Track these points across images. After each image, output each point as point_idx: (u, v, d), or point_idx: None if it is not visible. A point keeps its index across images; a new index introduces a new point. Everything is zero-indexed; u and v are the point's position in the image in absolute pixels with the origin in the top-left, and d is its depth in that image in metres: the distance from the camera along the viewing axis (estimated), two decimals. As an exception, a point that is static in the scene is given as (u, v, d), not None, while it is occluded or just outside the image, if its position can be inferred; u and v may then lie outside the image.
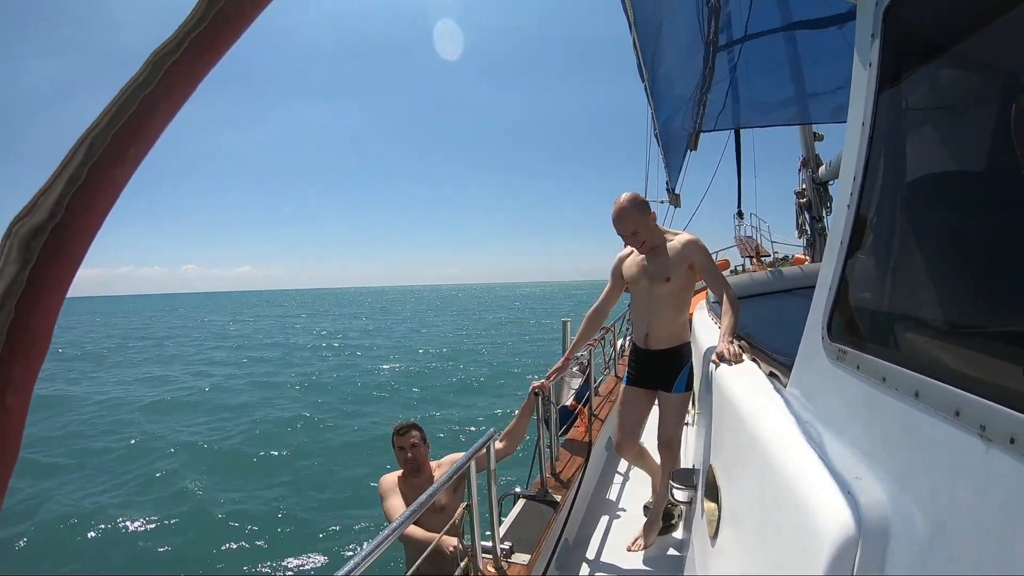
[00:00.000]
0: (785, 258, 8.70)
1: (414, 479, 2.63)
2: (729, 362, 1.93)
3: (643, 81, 3.60)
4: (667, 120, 4.53)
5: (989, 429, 0.55)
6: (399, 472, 2.69)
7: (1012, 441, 0.52)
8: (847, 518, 0.72)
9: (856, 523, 0.71)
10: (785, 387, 1.38)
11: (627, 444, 2.59)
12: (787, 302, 3.34)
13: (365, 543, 1.35)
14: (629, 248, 2.50)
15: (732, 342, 2.00)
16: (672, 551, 2.58)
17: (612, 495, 3.31)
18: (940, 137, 0.81)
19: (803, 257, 7.80)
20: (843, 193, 0.97)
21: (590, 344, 3.72)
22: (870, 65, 0.89)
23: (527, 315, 44.81)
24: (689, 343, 2.49)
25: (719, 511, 1.53)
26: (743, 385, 1.57)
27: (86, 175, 0.30)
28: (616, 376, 5.06)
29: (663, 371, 2.45)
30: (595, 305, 2.65)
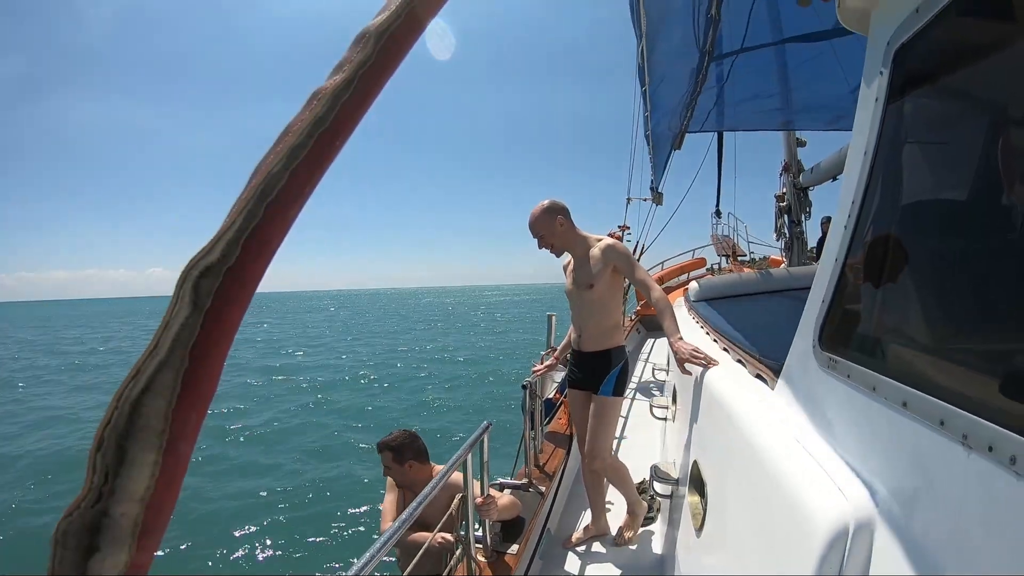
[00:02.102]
0: (764, 258, 8.92)
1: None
2: (695, 361, 1.99)
3: (643, 86, 3.66)
4: (657, 121, 4.62)
5: (971, 438, 0.62)
6: None
7: (990, 449, 0.59)
8: (838, 512, 0.79)
9: (846, 518, 0.79)
10: (773, 389, 1.46)
11: (583, 449, 2.60)
12: (765, 305, 3.44)
13: (354, 559, 1.30)
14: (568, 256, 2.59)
15: (682, 338, 2.10)
16: (653, 542, 2.66)
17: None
18: (934, 167, 0.88)
19: (780, 259, 8.03)
20: (841, 214, 1.05)
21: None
22: (876, 100, 0.96)
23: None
24: (621, 347, 2.55)
25: (704, 504, 1.61)
26: (731, 385, 1.64)
27: (263, 214, 0.29)
28: None
29: (593, 373, 2.52)
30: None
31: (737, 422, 1.40)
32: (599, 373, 2.49)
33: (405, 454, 2.53)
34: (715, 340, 2.46)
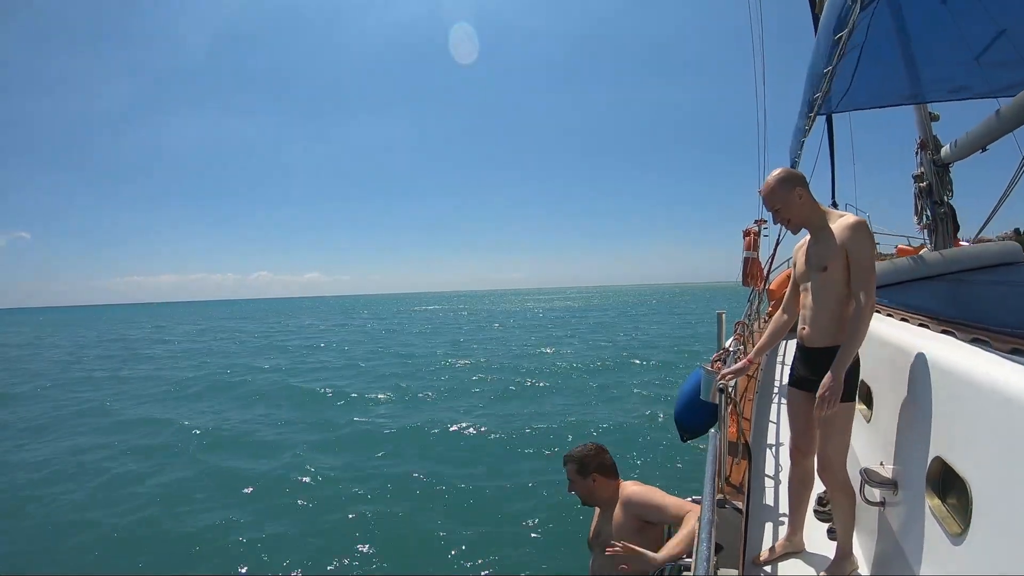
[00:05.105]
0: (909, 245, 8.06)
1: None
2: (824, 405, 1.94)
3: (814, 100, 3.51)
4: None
5: None
6: None
7: None
8: None
9: None
10: None
11: (797, 455, 2.34)
12: (948, 289, 3.06)
13: None
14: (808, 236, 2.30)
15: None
16: (860, 559, 2.33)
17: (773, 499, 2.97)
18: None
19: (907, 247, 7.27)
20: None
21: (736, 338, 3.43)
22: None
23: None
24: None
25: (970, 503, 1.41)
26: (989, 366, 1.45)
27: None
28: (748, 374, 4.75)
29: (818, 373, 2.10)
30: (781, 306, 2.44)
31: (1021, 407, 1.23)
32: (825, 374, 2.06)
33: (589, 466, 2.41)
34: (923, 324, 2.19)
